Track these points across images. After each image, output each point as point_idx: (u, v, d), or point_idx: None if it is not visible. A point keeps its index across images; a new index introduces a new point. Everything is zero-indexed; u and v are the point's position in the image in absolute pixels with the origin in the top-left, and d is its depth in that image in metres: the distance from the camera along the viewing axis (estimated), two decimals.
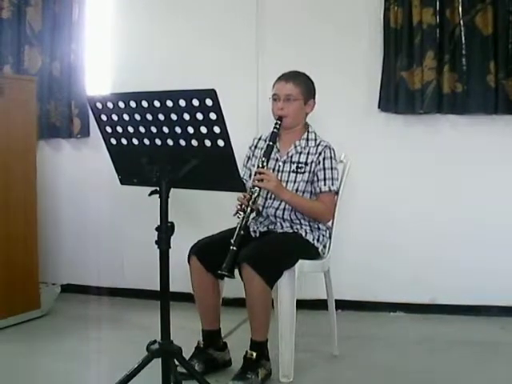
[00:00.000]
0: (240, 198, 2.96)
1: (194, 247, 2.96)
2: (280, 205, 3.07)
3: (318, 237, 3.09)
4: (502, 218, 3.91)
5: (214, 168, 2.27)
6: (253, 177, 3.00)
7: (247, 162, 3.26)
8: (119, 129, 2.36)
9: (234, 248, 2.80)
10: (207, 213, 4.16)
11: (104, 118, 2.37)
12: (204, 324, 3.02)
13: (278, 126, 3.06)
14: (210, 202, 3.96)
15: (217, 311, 3.04)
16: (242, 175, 2.84)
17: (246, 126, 3.92)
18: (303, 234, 3.05)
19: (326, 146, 3.10)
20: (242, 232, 2.86)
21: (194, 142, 2.23)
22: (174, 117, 2.20)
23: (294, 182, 3.09)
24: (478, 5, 3.75)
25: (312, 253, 3.07)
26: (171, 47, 4.23)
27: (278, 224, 3.09)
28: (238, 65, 4.16)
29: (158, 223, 2.31)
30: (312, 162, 3.08)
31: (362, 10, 3.99)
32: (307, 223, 3.08)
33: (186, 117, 2.18)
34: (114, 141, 2.41)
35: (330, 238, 3.15)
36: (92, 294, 4.41)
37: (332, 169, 3.08)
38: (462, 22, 3.78)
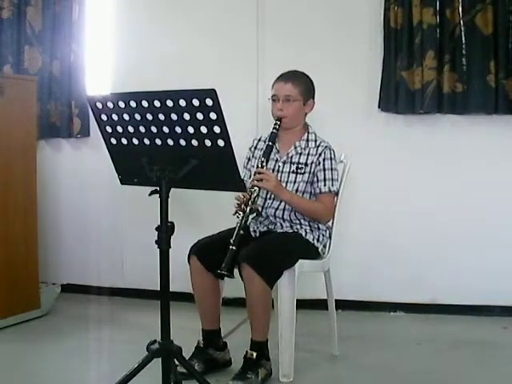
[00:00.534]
0: (239, 197, 2.96)
1: (194, 247, 2.96)
2: (280, 205, 3.07)
3: (318, 236, 3.09)
4: (503, 217, 3.91)
5: (214, 168, 2.26)
6: (252, 177, 2.99)
7: (247, 163, 3.26)
8: (119, 128, 2.36)
9: (234, 248, 2.80)
10: (207, 213, 4.16)
11: (104, 117, 2.37)
12: (204, 324, 3.02)
13: (277, 127, 3.06)
14: (210, 201, 3.96)
15: (217, 311, 3.04)
16: (242, 176, 2.83)
17: (246, 126, 3.93)
18: (303, 234, 3.05)
19: (326, 147, 3.10)
20: (241, 232, 2.85)
21: (194, 142, 2.23)
22: (174, 117, 2.20)
23: (294, 182, 3.08)
24: (478, 5, 3.74)
25: (312, 253, 3.07)
26: (171, 47, 4.23)
27: (278, 224, 3.09)
28: (238, 65, 4.16)
29: (158, 223, 2.31)
30: (312, 163, 3.08)
31: (362, 10, 3.99)
32: (307, 223, 3.08)
33: (187, 117, 2.18)
34: (114, 141, 2.41)
35: (329, 237, 3.15)
36: (92, 294, 4.41)
37: (332, 169, 3.08)
38: (462, 21, 3.78)
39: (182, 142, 2.25)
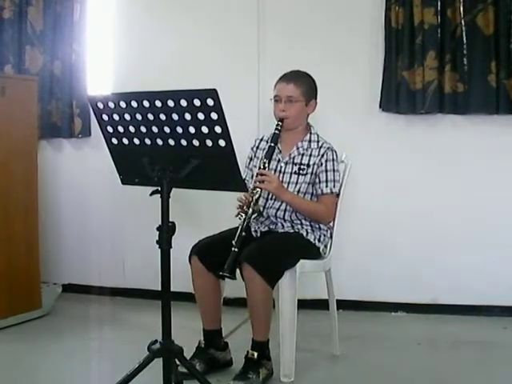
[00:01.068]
0: (240, 198, 2.96)
1: (195, 247, 2.96)
2: (281, 205, 3.07)
3: (319, 237, 3.09)
4: (504, 217, 3.90)
5: (215, 168, 2.27)
6: (254, 178, 2.99)
7: (249, 162, 3.26)
8: (120, 128, 2.36)
9: (236, 249, 2.80)
10: (208, 213, 4.16)
11: (105, 117, 2.37)
12: (205, 324, 3.02)
13: (279, 128, 3.05)
14: (211, 201, 3.95)
15: (218, 311, 3.04)
16: (243, 176, 2.83)
17: (247, 126, 3.92)
18: (304, 234, 3.05)
19: (328, 148, 3.10)
20: (243, 233, 2.85)
21: (196, 142, 2.23)
22: (175, 116, 2.20)
23: (296, 183, 3.08)
24: (479, 4, 3.74)
25: (313, 253, 3.07)
26: (172, 47, 4.23)
27: (279, 224, 3.09)
28: (239, 65, 4.15)
29: (159, 223, 2.31)
30: (314, 164, 3.08)
31: (363, 10, 3.98)
32: (308, 223, 3.08)
33: (188, 117, 2.18)
34: (115, 140, 2.42)
35: (331, 237, 3.15)
36: (93, 294, 4.41)
37: (334, 171, 3.08)
38: (463, 21, 3.78)
39: (183, 142, 2.25)
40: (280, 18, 4.11)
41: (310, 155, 3.10)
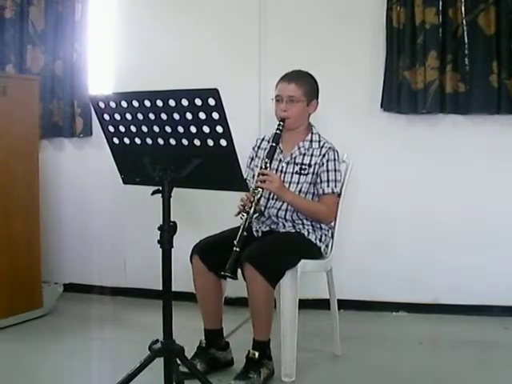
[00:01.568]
0: (243, 198, 2.96)
1: (197, 247, 2.96)
2: (282, 205, 3.07)
3: (321, 236, 3.09)
4: (504, 217, 3.90)
5: (216, 167, 2.27)
6: (255, 178, 2.99)
7: (250, 162, 3.26)
8: (122, 128, 2.36)
9: (237, 249, 2.80)
10: (209, 212, 4.15)
11: (106, 117, 2.37)
12: (206, 323, 3.02)
13: (280, 128, 3.05)
14: (212, 201, 3.95)
15: (219, 311, 3.04)
16: (245, 176, 2.83)
17: (248, 126, 3.92)
18: (305, 234, 3.05)
19: (329, 148, 3.09)
20: (244, 233, 2.85)
21: (197, 142, 2.23)
22: (176, 116, 2.20)
23: (297, 183, 3.08)
24: (481, 4, 3.74)
25: (314, 252, 3.07)
26: (174, 47, 4.23)
27: (281, 224, 3.09)
28: (240, 64, 4.15)
29: (161, 223, 2.31)
30: (315, 164, 3.08)
31: (364, 10, 3.98)
32: (309, 223, 3.08)
33: (189, 116, 2.18)
34: (116, 140, 2.42)
35: (332, 237, 3.15)
36: (94, 294, 4.41)
37: (335, 171, 3.07)
38: (464, 21, 3.78)
39: (185, 142, 2.25)
40: (281, 18, 4.11)
41: (312, 155, 3.10)
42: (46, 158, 4.30)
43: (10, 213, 3.68)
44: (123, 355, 3.10)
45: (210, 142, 2.21)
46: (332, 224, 3.16)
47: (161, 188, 2.31)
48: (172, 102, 2.18)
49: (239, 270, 2.79)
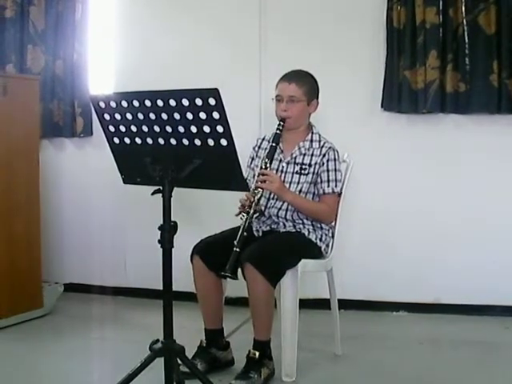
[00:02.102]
0: (242, 199, 2.96)
1: (197, 246, 2.96)
2: (282, 205, 3.07)
3: (321, 236, 3.09)
4: (505, 217, 3.90)
5: (217, 167, 2.27)
6: (256, 178, 2.99)
7: (251, 162, 3.26)
8: (122, 128, 2.36)
9: (237, 249, 2.80)
10: (210, 212, 4.15)
11: (107, 117, 2.38)
12: (206, 323, 3.02)
13: (281, 128, 3.05)
14: (213, 201, 3.95)
15: (219, 310, 3.04)
16: (245, 175, 2.83)
17: (249, 125, 3.93)
18: (306, 234, 3.05)
19: (329, 148, 3.09)
20: (244, 233, 2.85)
21: (197, 142, 2.23)
22: (177, 116, 2.20)
23: (298, 183, 3.08)
24: (481, 4, 3.74)
25: (315, 252, 3.07)
26: (174, 47, 4.23)
27: (281, 224, 3.09)
28: (240, 64, 4.15)
29: (161, 222, 2.31)
30: (316, 164, 3.08)
31: (365, 10, 3.98)
32: (310, 222, 3.08)
33: (189, 116, 2.18)
34: (116, 140, 2.42)
35: (332, 237, 3.15)
36: (95, 294, 4.41)
37: (336, 170, 3.07)
38: (465, 21, 3.77)
39: (185, 142, 2.25)
40: (281, 18, 4.10)
41: (312, 155, 3.10)
42: (46, 158, 4.30)
43: (11, 213, 3.68)
44: (124, 355, 3.10)
45: (211, 142, 2.21)
46: (332, 224, 3.16)
47: (161, 188, 2.31)
48: (172, 102, 2.18)
49: (239, 270, 2.79)
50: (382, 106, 3.97)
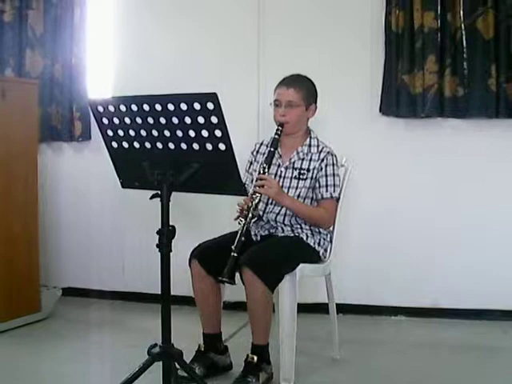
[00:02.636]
0: (241, 203, 2.96)
1: (195, 251, 2.96)
2: (281, 210, 3.07)
3: (319, 241, 3.09)
4: (504, 221, 3.90)
5: (215, 172, 2.27)
6: (254, 183, 2.99)
7: (249, 166, 3.26)
8: (120, 132, 2.36)
9: (235, 254, 2.79)
10: (208, 216, 4.15)
11: (105, 121, 2.38)
12: (205, 327, 3.01)
13: (279, 133, 3.04)
14: (211, 205, 3.96)
15: (217, 315, 3.04)
16: (243, 180, 2.83)
17: (247, 130, 3.93)
18: (304, 238, 3.05)
19: (328, 153, 3.09)
20: (242, 238, 2.84)
21: (196, 146, 2.23)
22: (175, 120, 2.21)
23: (296, 188, 3.08)
24: (479, 9, 3.75)
25: (313, 257, 3.07)
26: (172, 51, 4.24)
27: (279, 228, 3.09)
28: (239, 68, 4.16)
29: (160, 227, 2.31)
30: (314, 169, 3.08)
31: (363, 14, 3.99)
32: (308, 227, 3.08)
33: (188, 120, 2.18)
34: (115, 144, 2.42)
35: (330, 241, 3.15)
36: (93, 298, 4.40)
37: (334, 175, 3.07)
38: (463, 25, 3.78)
39: (184, 146, 2.25)
40: (280, 22, 4.11)
41: (310, 160, 3.10)
42: (44, 162, 4.30)
43: (9, 216, 3.67)
44: (122, 359, 3.10)
45: (209, 146, 2.21)
46: (331, 228, 3.16)
47: (159, 192, 2.31)
48: (171, 106, 2.18)
49: (237, 274, 2.79)
50: (380, 111, 3.97)
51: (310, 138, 3.15)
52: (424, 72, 3.81)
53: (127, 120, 2.31)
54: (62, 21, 4.36)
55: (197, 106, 2.14)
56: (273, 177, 3.07)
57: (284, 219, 3.07)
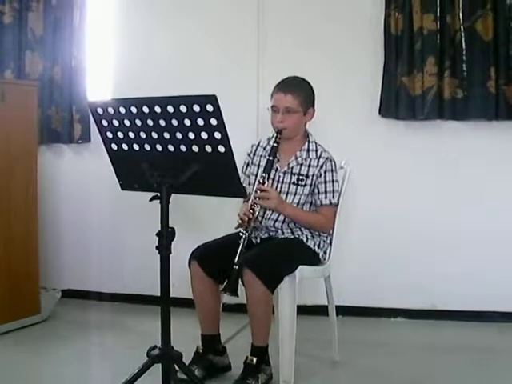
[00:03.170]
0: (241, 213, 2.94)
1: (195, 252, 2.96)
2: (279, 217, 3.06)
3: (319, 243, 3.09)
4: (503, 224, 3.90)
5: (214, 173, 2.27)
6: (253, 193, 2.95)
7: (246, 168, 3.23)
8: (120, 134, 2.36)
9: (237, 267, 2.77)
10: (208, 218, 4.15)
11: (105, 123, 2.38)
12: (203, 329, 3.01)
13: (278, 140, 3.01)
14: (211, 207, 3.96)
15: (217, 316, 3.04)
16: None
17: (246, 132, 3.93)
18: (304, 240, 3.05)
19: (327, 159, 3.08)
20: (244, 250, 2.83)
21: (195, 148, 2.23)
22: (174, 122, 2.21)
23: (295, 194, 3.07)
24: (479, 11, 3.75)
25: (313, 258, 3.07)
26: (172, 52, 4.24)
27: (279, 231, 3.09)
28: (238, 70, 4.16)
29: (159, 229, 2.31)
30: (313, 175, 3.07)
31: (363, 16, 3.99)
32: (308, 230, 3.08)
33: (187, 122, 2.18)
34: (114, 146, 2.42)
35: (330, 243, 3.15)
36: (92, 300, 4.40)
37: (333, 182, 3.07)
38: (462, 27, 3.78)
39: (183, 148, 2.25)
40: (280, 24, 4.11)
41: (309, 166, 3.08)
42: (44, 164, 4.29)
43: (9, 218, 3.67)
44: (121, 361, 3.10)
45: (208, 148, 2.21)
46: (330, 231, 3.16)
47: (159, 194, 2.31)
48: (170, 108, 2.19)
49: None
50: (379, 113, 3.97)
51: (309, 142, 3.13)
52: (423, 74, 3.81)
53: (127, 122, 2.31)
54: (61, 23, 4.36)
55: (196, 108, 2.14)
56: (271, 181, 3.03)
57: (282, 225, 3.07)
